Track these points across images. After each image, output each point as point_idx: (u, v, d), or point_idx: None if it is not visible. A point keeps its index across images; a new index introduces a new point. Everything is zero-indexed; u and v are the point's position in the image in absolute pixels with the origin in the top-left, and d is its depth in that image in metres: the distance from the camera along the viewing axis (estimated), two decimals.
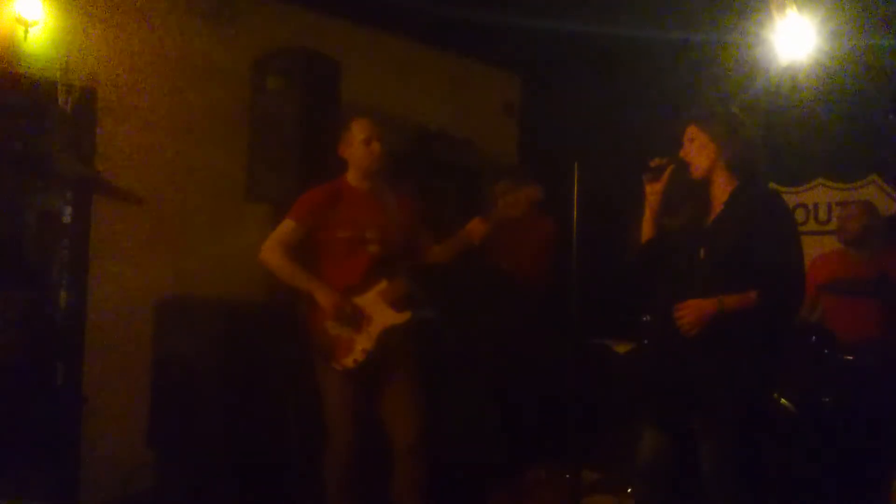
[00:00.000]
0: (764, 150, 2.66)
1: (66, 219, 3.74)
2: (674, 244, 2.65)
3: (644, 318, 3.02)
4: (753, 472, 2.57)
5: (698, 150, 2.62)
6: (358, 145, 3.06)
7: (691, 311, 2.47)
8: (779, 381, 3.24)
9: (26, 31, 3.50)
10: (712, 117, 2.65)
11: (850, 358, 3.53)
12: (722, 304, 2.44)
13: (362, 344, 2.95)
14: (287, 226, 3.03)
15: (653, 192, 2.68)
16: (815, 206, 4.66)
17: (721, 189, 2.62)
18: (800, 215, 4.73)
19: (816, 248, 4.41)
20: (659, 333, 2.72)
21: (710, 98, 2.74)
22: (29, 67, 3.52)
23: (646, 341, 3.28)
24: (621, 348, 4.28)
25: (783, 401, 3.45)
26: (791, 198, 4.76)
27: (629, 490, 3.50)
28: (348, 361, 2.94)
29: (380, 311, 2.98)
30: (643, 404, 2.78)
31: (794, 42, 3.96)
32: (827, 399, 3.47)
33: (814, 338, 3.67)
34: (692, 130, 2.64)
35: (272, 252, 3.00)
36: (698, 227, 2.63)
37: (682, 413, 2.57)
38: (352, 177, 3.12)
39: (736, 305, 2.44)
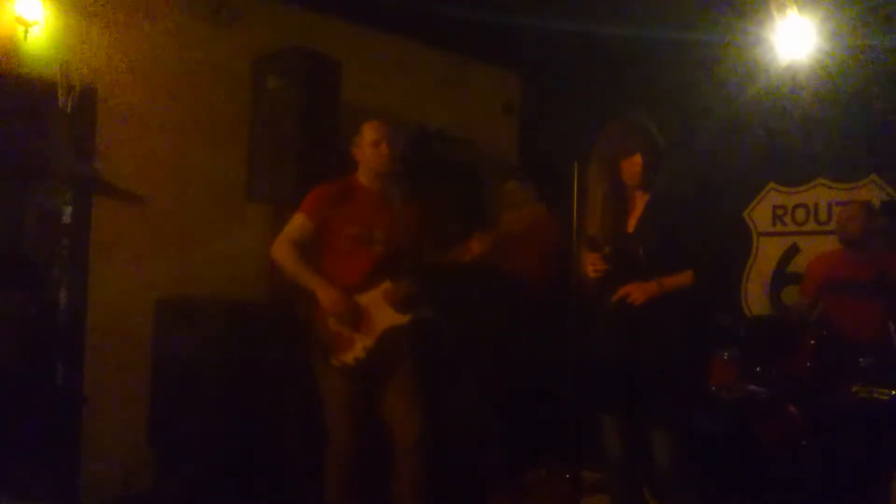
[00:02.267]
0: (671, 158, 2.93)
1: (66, 219, 3.73)
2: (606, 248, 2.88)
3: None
4: (703, 462, 2.89)
5: (637, 174, 2.86)
6: (367, 147, 3.09)
7: (636, 288, 2.76)
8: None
9: (26, 31, 3.50)
10: (652, 146, 2.86)
11: (850, 358, 3.53)
12: (661, 286, 2.74)
13: (363, 342, 2.96)
14: (297, 221, 3.05)
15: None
16: (816, 206, 4.65)
17: (639, 197, 2.92)
18: (800, 215, 4.73)
19: (816, 248, 4.43)
20: (608, 329, 2.88)
21: (640, 112, 2.93)
22: (29, 67, 3.52)
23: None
24: None
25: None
26: (791, 198, 4.77)
27: None
28: (348, 358, 2.95)
29: (382, 311, 2.99)
30: (600, 397, 2.90)
31: (794, 42, 3.96)
32: (827, 398, 3.47)
33: (814, 337, 3.67)
34: (637, 159, 2.84)
35: (282, 248, 3.03)
36: (623, 231, 2.89)
37: (635, 404, 2.75)
38: (362, 176, 3.15)
39: (670, 285, 2.75)
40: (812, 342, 3.66)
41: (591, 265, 2.83)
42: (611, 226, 2.89)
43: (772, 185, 4.84)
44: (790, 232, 4.76)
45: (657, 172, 2.86)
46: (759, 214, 4.87)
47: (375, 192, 3.13)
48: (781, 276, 4.75)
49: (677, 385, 2.70)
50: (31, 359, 3.52)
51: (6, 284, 3.54)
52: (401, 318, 3.01)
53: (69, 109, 3.56)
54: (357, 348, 2.95)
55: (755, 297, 4.79)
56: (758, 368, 3.74)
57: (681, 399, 2.71)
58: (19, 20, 3.47)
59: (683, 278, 2.75)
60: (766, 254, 4.80)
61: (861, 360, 3.52)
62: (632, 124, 2.89)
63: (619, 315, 2.80)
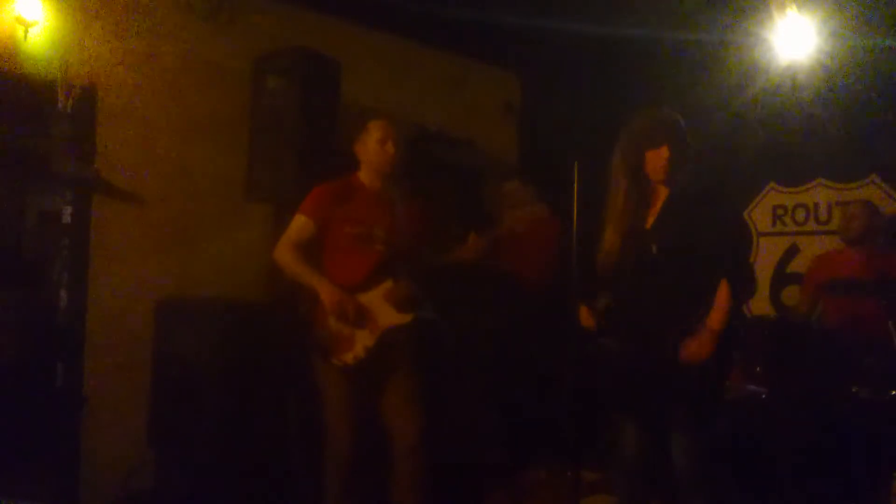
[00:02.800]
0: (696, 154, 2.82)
1: (66, 219, 3.73)
2: (624, 246, 2.78)
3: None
4: (727, 466, 2.77)
5: (662, 167, 2.75)
6: (372, 145, 3.08)
7: (694, 353, 2.58)
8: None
9: (26, 32, 3.49)
10: (680, 139, 2.76)
11: (850, 358, 3.53)
12: (713, 332, 2.59)
13: (364, 341, 2.96)
14: (298, 222, 3.05)
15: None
16: (816, 206, 4.66)
17: (661, 193, 2.80)
18: (800, 215, 4.73)
19: (816, 248, 4.43)
20: (625, 328, 2.81)
21: (667, 106, 2.87)
22: (29, 67, 3.52)
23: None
24: None
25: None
26: (791, 198, 4.77)
27: None
28: (348, 358, 2.95)
29: (383, 311, 2.99)
30: (617, 399, 2.85)
31: (794, 42, 3.96)
32: (828, 398, 3.47)
33: (814, 338, 3.67)
34: (663, 152, 2.74)
35: (284, 250, 3.03)
36: (640, 228, 2.78)
37: (654, 406, 2.67)
38: (364, 175, 3.14)
39: (722, 322, 2.60)
40: (812, 342, 3.66)
41: (586, 319, 2.79)
42: (629, 221, 2.79)
43: (772, 185, 4.84)
44: (790, 232, 4.76)
45: (681, 168, 2.76)
46: (759, 214, 4.87)
47: (376, 191, 3.12)
48: (781, 276, 4.75)
49: (699, 388, 2.62)
50: (31, 359, 3.52)
51: (6, 284, 3.54)
52: (402, 318, 3.00)
53: (69, 109, 3.56)
54: (357, 348, 2.95)
55: (755, 297, 4.79)
56: (758, 368, 3.73)
57: (703, 402, 2.62)
58: (19, 20, 3.47)
59: (723, 306, 2.63)
60: (766, 254, 4.80)
61: (861, 360, 3.52)
62: (660, 116, 2.80)
63: (638, 320, 2.73)
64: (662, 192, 2.81)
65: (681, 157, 2.74)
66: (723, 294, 2.62)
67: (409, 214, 3.16)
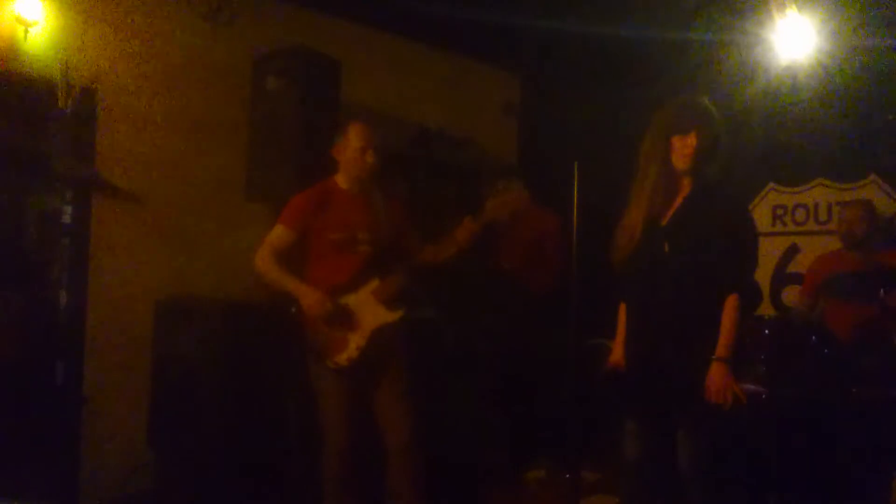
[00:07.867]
0: (723, 151, 2.67)
1: (66, 219, 3.74)
2: (637, 240, 2.67)
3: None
4: (730, 467, 2.68)
5: (688, 155, 2.60)
6: (352, 152, 3.07)
7: (719, 389, 2.47)
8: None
9: (26, 31, 3.50)
10: (709, 127, 2.61)
11: (850, 358, 3.53)
12: (727, 362, 2.48)
13: (356, 341, 2.96)
14: (277, 231, 3.06)
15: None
16: (816, 206, 4.66)
17: (683, 188, 2.66)
18: (800, 215, 4.73)
19: (816, 248, 4.43)
20: (633, 328, 2.76)
21: (694, 93, 2.74)
22: (29, 67, 3.52)
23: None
24: None
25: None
26: (791, 198, 4.77)
27: None
28: (342, 359, 2.95)
29: (372, 310, 3.00)
30: (624, 400, 2.81)
31: (794, 42, 3.96)
32: (827, 399, 3.47)
33: (814, 338, 3.67)
34: (691, 139, 2.59)
35: (262, 257, 3.04)
36: (656, 222, 2.66)
37: (660, 407, 2.62)
38: (342, 179, 3.14)
39: (732, 349, 2.49)
40: (812, 342, 3.66)
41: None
42: (652, 212, 2.65)
43: (772, 185, 4.84)
44: (790, 232, 4.76)
45: (709, 159, 2.59)
46: (759, 214, 4.86)
47: (355, 194, 3.12)
48: (781, 276, 4.75)
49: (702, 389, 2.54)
50: (31, 359, 3.52)
51: (6, 284, 3.54)
52: (392, 315, 3.01)
53: (69, 109, 3.56)
54: (351, 348, 2.96)
55: None
56: (758, 368, 3.73)
57: (705, 403, 2.51)
58: (19, 20, 3.47)
59: (731, 336, 2.49)
60: (766, 254, 4.80)
61: (861, 360, 3.52)
62: (691, 101, 2.65)
63: (647, 319, 2.67)
64: (685, 188, 2.65)
65: (709, 147, 2.58)
66: (729, 313, 2.50)
67: (391, 212, 3.16)
